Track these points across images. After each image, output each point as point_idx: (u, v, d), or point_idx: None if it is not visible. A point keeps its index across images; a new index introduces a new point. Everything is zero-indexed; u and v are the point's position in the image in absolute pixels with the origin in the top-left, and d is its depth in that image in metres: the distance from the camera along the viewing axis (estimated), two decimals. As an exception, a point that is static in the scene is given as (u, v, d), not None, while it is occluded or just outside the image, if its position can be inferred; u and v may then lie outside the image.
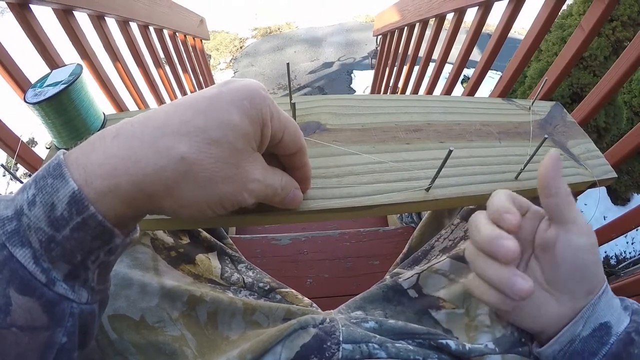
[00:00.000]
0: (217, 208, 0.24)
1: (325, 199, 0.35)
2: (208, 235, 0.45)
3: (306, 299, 0.44)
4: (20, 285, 0.19)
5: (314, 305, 0.44)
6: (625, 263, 2.30)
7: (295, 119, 0.35)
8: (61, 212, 0.20)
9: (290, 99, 0.38)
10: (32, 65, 0.91)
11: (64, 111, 0.48)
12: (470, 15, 1.14)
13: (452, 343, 0.35)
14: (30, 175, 0.25)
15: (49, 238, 0.20)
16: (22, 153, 0.76)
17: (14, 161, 0.72)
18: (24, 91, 0.84)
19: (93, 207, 0.20)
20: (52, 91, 0.47)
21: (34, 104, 0.47)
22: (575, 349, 0.30)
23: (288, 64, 0.38)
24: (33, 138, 3.09)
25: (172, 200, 0.23)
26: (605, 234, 0.86)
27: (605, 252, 2.35)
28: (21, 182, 0.37)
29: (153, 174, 0.21)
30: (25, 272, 0.20)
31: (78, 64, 0.52)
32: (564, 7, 0.98)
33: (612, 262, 2.35)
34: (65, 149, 0.43)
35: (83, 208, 0.20)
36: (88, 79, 0.50)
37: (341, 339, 0.35)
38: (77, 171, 0.21)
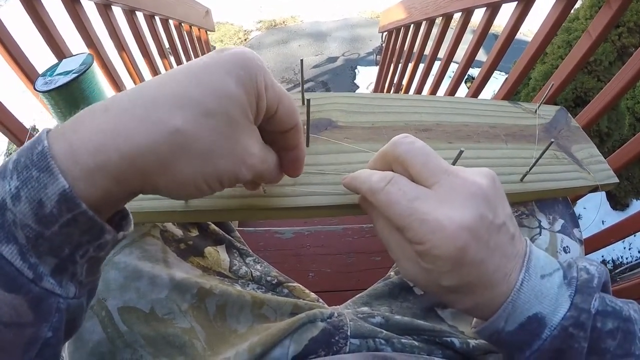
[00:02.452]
0: (215, 185, 0.23)
1: (338, 195, 0.35)
2: (216, 228, 0.46)
3: (312, 294, 0.45)
4: (7, 282, 0.19)
5: (321, 300, 0.45)
6: (622, 268, 2.32)
7: (309, 116, 0.35)
8: (50, 209, 0.19)
9: (303, 96, 0.38)
10: (33, 53, 0.90)
11: (74, 101, 0.49)
12: (478, 14, 1.14)
13: (456, 341, 0.36)
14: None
15: (36, 234, 0.19)
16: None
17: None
18: (30, 79, 0.84)
19: (84, 204, 0.19)
20: (62, 80, 0.48)
21: (43, 92, 0.47)
22: (502, 339, 0.27)
23: (302, 60, 0.38)
24: (34, 126, 3.08)
25: (166, 177, 0.21)
26: (603, 239, 0.87)
27: (603, 256, 2.36)
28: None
29: (146, 148, 0.20)
30: (11, 268, 0.19)
31: (89, 54, 0.52)
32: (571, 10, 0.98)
33: (609, 266, 2.37)
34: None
35: (74, 206, 0.19)
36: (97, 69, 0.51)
37: (349, 333, 0.36)
38: (63, 147, 0.19)
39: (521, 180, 0.42)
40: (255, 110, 0.24)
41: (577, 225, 0.47)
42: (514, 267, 0.26)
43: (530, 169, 0.42)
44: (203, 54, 2.14)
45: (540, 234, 0.43)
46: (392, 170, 0.28)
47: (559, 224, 0.44)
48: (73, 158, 0.19)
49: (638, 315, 0.27)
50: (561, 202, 0.47)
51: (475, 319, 0.30)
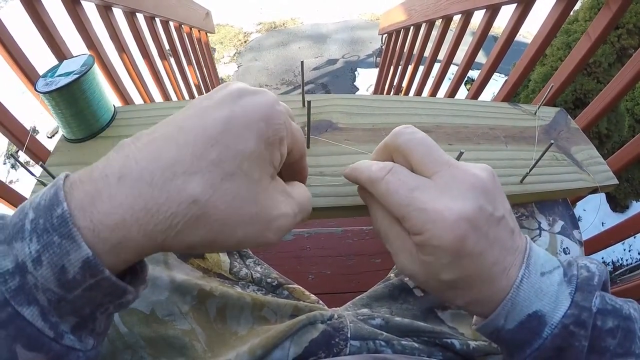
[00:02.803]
0: (234, 249, 0.23)
1: (338, 197, 0.35)
2: (217, 230, 0.46)
3: (313, 295, 0.45)
4: (28, 341, 0.19)
5: (321, 302, 0.45)
6: (622, 270, 2.32)
7: (310, 118, 0.35)
8: (73, 275, 0.19)
9: (303, 98, 0.38)
10: (33, 54, 0.90)
11: (75, 102, 0.49)
12: (478, 16, 1.15)
13: (456, 342, 0.36)
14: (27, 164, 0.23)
15: (59, 298, 0.19)
16: (29, 145, 0.77)
17: (22, 151, 0.72)
18: (30, 80, 0.84)
19: (108, 270, 0.19)
20: (63, 81, 0.48)
21: (44, 93, 0.47)
22: (503, 337, 0.27)
23: (302, 62, 0.38)
24: (34, 127, 3.09)
25: (182, 245, 0.21)
26: (603, 240, 0.87)
27: (603, 258, 2.36)
28: (32, 173, 0.37)
29: (164, 222, 0.19)
30: (33, 329, 0.19)
31: (90, 55, 0.52)
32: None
33: (609, 268, 2.37)
34: (73, 140, 0.44)
35: (98, 272, 0.19)
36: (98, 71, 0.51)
37: (349, 335, 0.36)
38: (84, 222, 0.19)
39: (521, 181, 0.42)
40: (278, 161, 0.23)
41: (577, 227, 0.47)
42: (514, 262, 0.26)
43: (530, 170, 0.42)
44: (203, 56, 2.15)
45: (540, 235, 0.43)
46: (393, 161, 0.28)
47: (558, 225, 0.44)
48: (94, 233, 0.19)
49: (638, 314, 0.27)
50: (561, 204, 0.47)
51: (475, 316, 0.30)
